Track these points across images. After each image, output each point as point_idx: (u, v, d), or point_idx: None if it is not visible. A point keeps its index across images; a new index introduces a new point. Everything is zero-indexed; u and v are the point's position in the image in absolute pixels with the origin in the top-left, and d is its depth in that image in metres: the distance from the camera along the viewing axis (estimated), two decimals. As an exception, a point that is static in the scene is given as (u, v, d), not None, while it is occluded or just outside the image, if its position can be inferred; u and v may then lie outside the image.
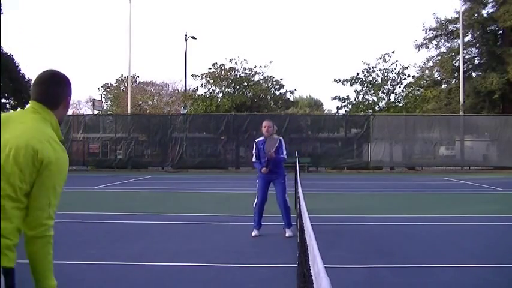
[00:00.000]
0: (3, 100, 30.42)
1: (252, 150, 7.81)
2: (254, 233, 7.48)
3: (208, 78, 35.41)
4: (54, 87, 2.30)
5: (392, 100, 33.16)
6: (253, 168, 27.10)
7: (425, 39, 37.98)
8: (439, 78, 38.74)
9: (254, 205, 7.61)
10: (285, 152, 7.59)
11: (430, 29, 37.54)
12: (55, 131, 2.27)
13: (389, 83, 33.08)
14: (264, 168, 7.44)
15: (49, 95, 2.28)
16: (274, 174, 7.52)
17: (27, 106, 2.29)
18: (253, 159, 7.76)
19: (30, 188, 2.09)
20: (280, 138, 7.66)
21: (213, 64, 35.34)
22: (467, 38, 35.90)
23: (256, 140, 7.76)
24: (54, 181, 2.13)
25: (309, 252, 2.24)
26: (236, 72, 35.28)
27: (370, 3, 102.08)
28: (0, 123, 2.12)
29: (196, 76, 36.32)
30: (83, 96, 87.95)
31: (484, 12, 35.67)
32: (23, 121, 2.18)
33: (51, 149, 2.14)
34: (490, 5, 35.38)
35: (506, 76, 32.35)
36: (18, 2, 76.83)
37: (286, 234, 7.31)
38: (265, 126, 7.61)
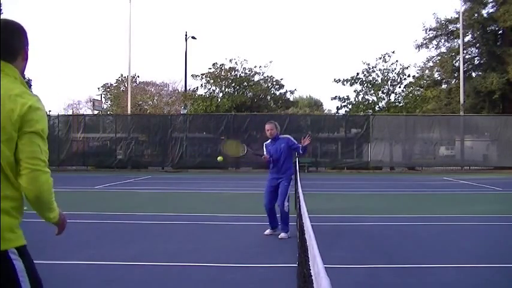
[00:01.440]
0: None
1: (264, 152, 7.77)
2: (267, 231, 7.55)
3: (208, 78, 35.42)
4: (9, 38, 2.12)
5: (392, 100, 33.16)
6: (253, 168, 27.12)
7: (425, 39, 38.00)
8: (439, 78, 38.74)
9: (264, 207, 7.65)
10: (296, 142, 7.63)
11: (430, 29, 37.55)
12: (22, 83, 2.13)
13: (389, 83, 33.09)
14: (268, 158, 7.43)
15: (5, 47, 2.10)
16: (282, 175, 7.51)
17: None
18: (266, 155, 7.67)
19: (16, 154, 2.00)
20: (287, 136, 7.72)
21: (213, 64, 35.38)
22: (467, 38, 35.90)
23: (265, 143, 7.81)
24: (37, 129, 2.03)
25: (309, 252, 2.24)
26: (236, 72, 35.29)
27: (370, 3, 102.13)
28: None
29: (196, 76, 36.36)
30: (83, 96, 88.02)
31: (484, 12, 35.69)
32: None
33: (24, 101, 2.03)
34: (490, 5, 35.39)
35: (506, 76, 32.35)
36: (18, 2, 76.85)
37: (279, 236, 7.32)
38: (267, 130, 7.65)
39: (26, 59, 2.21)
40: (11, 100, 2.02)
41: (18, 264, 1.99)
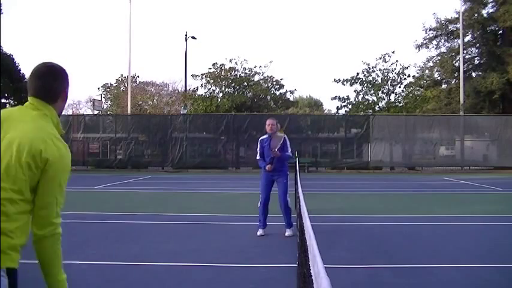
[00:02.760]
0: (3, 100, 30.41)
1: (256, 148, 7.82)
2: (259, 232, 7.50)
3: (208, 78, 35.41)
4: (52, 81, 2.24)
5: (392, 100, 33.16)
6: (253, 168, 27.10)
7: (425, 39, 38.00)
8: (439, 78, 38.75)
9: (259, 204, 7.64)
10: (289, 150, 7.63)
11: (430, 29, 37.55)
12: (56, 126, 2.23)
13: (389, 83, 33.09)
14: (268, 165, 7.44)
15: (47, 89, 2.22)
16: (277, 173, 7.53)
17: (26, 103, 2.24)
18: (258, 157, 7.76)
19: (34, 188, 2.07)
20: (285, 136, 7.69)
21: (213, 64, 35.37)
22: (467, 38, 35.90)
23: (260, 138, 7.80)
24: (59, 179, 2.12)
25: (309, 252, 2.24)
26: (236, 72, 35.29)
27: (370, 3, 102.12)
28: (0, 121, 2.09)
29: (196, 76, 36.35)
30: (83, 96, 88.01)
31: (484, 12, 35.71)
32: (24, 119, 2.14)
33: (55, 147, 2.12)
34: (490, 5, 35.40)
35: (506, 76, 32.35)
36: (18, 2, 76.84)
37: (286, 234, 7.33)
38: (268, 125, 7.67)
39: (65, 99, 2.32)
40: (43, 141, 2.09)
41: (4, 281, 2.00)
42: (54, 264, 2.19)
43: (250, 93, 35.63)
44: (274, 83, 36.71)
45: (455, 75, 36.11)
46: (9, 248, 2.01)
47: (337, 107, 34.57)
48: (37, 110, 2.19)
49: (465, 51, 34.72)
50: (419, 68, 38.15)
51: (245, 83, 35.36)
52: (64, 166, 2.15)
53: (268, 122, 7.75)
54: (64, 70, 2.32)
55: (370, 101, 33.28)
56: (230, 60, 35.14)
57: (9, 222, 2.01)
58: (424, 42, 38.00)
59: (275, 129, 7.65)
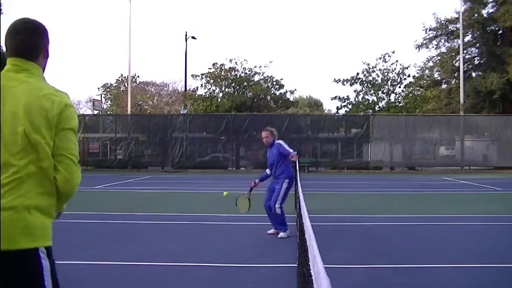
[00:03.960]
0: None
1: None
2: (270, 231, 7.60)
3: (208, 78, 35.43)
4: (33, 36, 2.14)
5: (392, 100, 33.18)
6: (253, 168, 27.05)
7: (425, 39, 37.98)
8: (439, 78, 38.73)
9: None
10: (288, 149, 7.48)
11: (430, 29, 37.53)
12: (46, 82, 2.16)
13: (389, 83, 33.11)
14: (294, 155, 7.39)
15: (28, 45, 2.11)
16: (276, 180, 7.56)
17: (7, 66, 2.11)
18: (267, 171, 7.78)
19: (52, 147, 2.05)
20: (279, 142, 7.57)
21: (213, 64, 35.39)
22: (467, 38, 35.89)
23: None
24: (73, 125, 2.11)
25: (309, 252, 2.24)
26: (236, 72, 35.30)
27: (370, 3, 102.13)
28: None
29: (196, 76, 36.36)
30: (83, 96, 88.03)
31: (484, 12, 35.68)
32: (14, 84, 2.05)
33: (60, 99, 2.09)
34: (490, 5, 35.38)
35: (506, 76, 32.34)
36: (18, 2, 76.86)
37: (279, 235, 7.34)
38: (263, 138, 7.67)
39: (47, 56, 2.22)
40: (46, 99, 2.04)
41: (46, 263, 2.00)
42: (75, 193, 2.18)
43: (250, 93, 35.64)
44: (274, 83, 36.72)
45: (455, 75, 36.10)
46: (50, 226, 2.03)
47: (337, 107, 34.66)
48: (23, 71, 2.09)
49: (465, 51, 34.71)
50: (419, 68, 38.18)
51: (245, 83, 35.37)
52: (73, 114, 2.12)
53: (262, 135, 7.69)
54: (43, 25, 2.20)
55: (370, 101, 33.29)
56: (230, 60, 35.21)
57: (49, 196, 2.02)
58: (424, 42, 38.00)
59: (271, 140, 7.60)
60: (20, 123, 1.98)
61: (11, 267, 1.92)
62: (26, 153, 1.97)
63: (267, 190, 7.69)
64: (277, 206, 7.35)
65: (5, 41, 2.13)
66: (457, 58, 35.05)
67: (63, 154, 2.05)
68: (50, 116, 2.02)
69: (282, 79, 37.07)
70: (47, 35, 2.22)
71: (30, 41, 2.13)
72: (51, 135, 2.03)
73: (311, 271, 1.91)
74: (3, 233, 1.88)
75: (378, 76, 33.23)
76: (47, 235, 2.04)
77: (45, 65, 2.23)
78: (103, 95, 52.83)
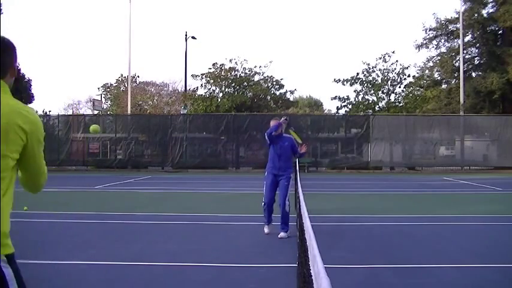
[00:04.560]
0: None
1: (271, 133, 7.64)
2: (266, 230, 7.56)
3: (208, 78, 35.44)
4: (1, 53, 2.11)
5: (392, 100, 33.19)
6: (253, 168, 27.03)
7: (425, 39, 37.99)
8: (439, 78, 38.75)
9: (263, 204, 7.63)
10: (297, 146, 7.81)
11: (430, 29, 37.55)
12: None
13: (389, 83, 33.12)
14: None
15: None
16: (281, 173, 7.53)
17: None
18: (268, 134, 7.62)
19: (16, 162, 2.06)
20: (291, 136, 7.85)
21: (213, 64, 35.40)
22: (467, 38, 35.90)
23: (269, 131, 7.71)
24: (41, 140, 2.12)
25: (309, 252, 2.24)
26: (236, 72, 35.31)
27: (370, 3, 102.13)
28: None
29: (196, 76, 36.37)
30: (83, 96, 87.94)
31: (484, 12, 35.69)
32: None
33: (33, 118, 2.09)
34: (490, 5, 35.40)
35: (506, 76, 32.36)
36: (18, 2, 76.84)
37: (279, 235, 7.32)
38: (278, 127, 7.60)
39: (13, 74, 2.20)
40: (20, 116, 2.06)
41: (7, 271, 1.97)
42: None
43: (250, 93, 35.65)
44: (274, 83, 36.73)
45: (455, 75, 36.11)
46: (7, 236, 2.00)
47: (337, 107, 34.67)
48: None
49: (465, 51, 34.72)
50: (419, 68, 38.19)
51: (245, 83, 35.38)
52: (42, 129, 2.14)
53: (280, 122, 7.64)
54: (12, 42, 2.18)
55: (370, 101, 33.29)
56: (230, 60, 35.21)
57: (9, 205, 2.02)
58: (424, 42, 38.01)
59: (283, 130, 7.72)
60: None
61: None
62: None
63: (268, 188, 7.59)
64: (287, 202, 7.40)
65: None
66: (457, 58, 35.07)
67: (31, 173, 2.15)
68: (21, 133, 2.04)
69: (282, 79, 37.13)
70: (16, 52, 2.20)
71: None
72: (18, 149, 2.05)
73: (311, 271, 1.91)
74: None
75: (378, 76, 33.24)
76: (5, 243, 2.01)
77: (11, 85, 2.21)
78: (103, 95, 52.84)
